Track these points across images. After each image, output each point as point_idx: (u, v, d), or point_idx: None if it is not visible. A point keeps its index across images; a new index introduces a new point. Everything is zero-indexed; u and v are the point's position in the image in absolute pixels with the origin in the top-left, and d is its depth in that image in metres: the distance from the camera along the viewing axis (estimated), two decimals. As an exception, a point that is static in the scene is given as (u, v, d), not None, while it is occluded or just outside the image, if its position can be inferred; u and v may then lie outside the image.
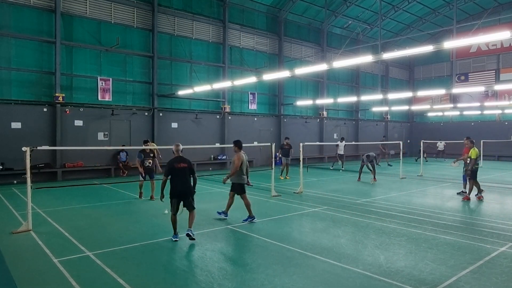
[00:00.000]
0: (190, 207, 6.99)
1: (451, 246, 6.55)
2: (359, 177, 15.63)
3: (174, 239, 6.88)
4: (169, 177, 6.86)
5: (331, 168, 20.97)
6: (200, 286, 4.91)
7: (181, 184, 6.86)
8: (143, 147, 11.59)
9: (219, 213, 8.74)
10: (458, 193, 12.06)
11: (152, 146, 12.74)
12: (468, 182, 11.38)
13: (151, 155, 11.22)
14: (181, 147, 7.21)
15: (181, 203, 6.98)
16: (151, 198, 10.99)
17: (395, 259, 5.90)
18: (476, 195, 11.16)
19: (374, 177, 15.27)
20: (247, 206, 8.42)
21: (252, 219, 8.35)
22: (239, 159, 8.35)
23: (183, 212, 6.94)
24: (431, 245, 6.63)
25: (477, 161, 11.11)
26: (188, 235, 6.76)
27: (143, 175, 11.09)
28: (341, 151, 20.78)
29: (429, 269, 5.45)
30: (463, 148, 11.69)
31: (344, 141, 20.96)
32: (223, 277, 5.20)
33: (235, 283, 4.97)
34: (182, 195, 6.90)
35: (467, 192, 11.16)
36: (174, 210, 6.91)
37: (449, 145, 25.87)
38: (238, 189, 8.48)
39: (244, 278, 5.16)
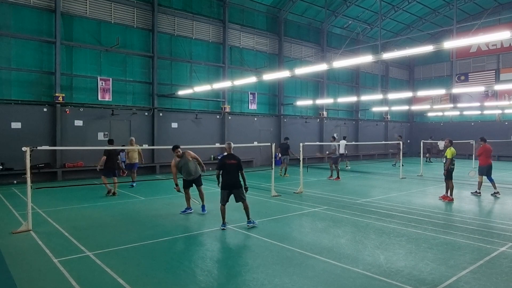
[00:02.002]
0: (240, 199, 7.85)
1: (451, 246, 6.55)
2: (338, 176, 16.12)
3: (222, 228, 7.73)
4: (221, 171, 7.82)
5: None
6: (200, 286, 4.90)
7: (229, 178, 7.78)
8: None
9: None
10: (472, 193, 11.89)
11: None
12: (491, 182, 11.59)
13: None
14: (232, 145, 8.19)
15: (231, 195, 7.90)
16: (114, 193, 11.81)
17: (395, 259, 5.90)
18: (445, 195, 11.09)
19: (337, 176, 16.10)
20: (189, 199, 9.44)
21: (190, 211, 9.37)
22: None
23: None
24: (431, 245, 6.63)
25: (453, 161, 11.04)
26: (248, 226, 7.73)
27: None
28: (340, 150, 20.63)
29: (429, 269, 5.45)
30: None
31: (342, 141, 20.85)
32: (223, 277, 5.20)
33: (235, 283, 4.97)
34: (230, 187, 7.81)
35: (447, 193, 11.06)
36: (223, 201, 7.83)
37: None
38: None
39: (244, 278, 5.16)
